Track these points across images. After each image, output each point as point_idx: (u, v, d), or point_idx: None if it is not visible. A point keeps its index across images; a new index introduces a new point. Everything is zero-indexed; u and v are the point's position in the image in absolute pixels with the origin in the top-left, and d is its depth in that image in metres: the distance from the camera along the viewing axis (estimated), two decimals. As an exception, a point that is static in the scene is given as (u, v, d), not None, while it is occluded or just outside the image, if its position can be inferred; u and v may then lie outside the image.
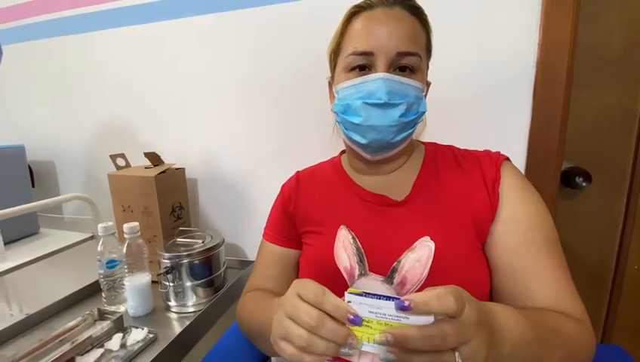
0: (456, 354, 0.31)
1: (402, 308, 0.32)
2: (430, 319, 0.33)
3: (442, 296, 0.32)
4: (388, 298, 0.35)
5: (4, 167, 1.03)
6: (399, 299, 0.34)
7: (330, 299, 0.36)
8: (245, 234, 1.06)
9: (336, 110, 0.56)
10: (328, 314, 0.35)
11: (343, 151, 0.68)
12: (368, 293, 0.36)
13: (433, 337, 0.31)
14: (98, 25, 1.07)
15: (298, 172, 0.69)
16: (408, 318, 0.34)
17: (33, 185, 1.19)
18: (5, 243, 0.92)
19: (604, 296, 0.95)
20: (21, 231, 1.06)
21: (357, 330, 0.36)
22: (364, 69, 0.52)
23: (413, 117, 0.52)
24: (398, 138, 0.52)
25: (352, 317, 0.35)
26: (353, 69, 0.52)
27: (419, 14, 0.53)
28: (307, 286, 0.37)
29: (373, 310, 0.35)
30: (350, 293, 0.36)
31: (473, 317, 0.32)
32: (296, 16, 0.87)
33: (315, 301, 0.36)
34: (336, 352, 0.36)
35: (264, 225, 0.69)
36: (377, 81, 0.49)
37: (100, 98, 1.13)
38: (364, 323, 0.36)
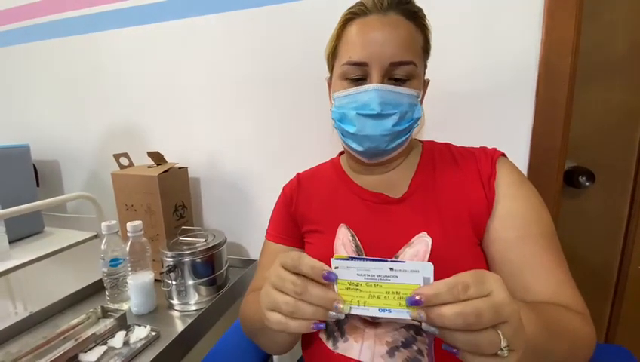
0: (500, 332, 0.31)
1: (413, 303, 0.33)
2: (419, 278, 0.34)
3: (450, 288, 0.31)
4: (375, 260, 0.36)
5: (10, 166, 1.04)
6: (386, 260, 0.35)
7: (306, 260, 0.37)
8: (247, 233, 1.06)
9: (333, 117, 0.57)
10: (313, 281, 0.37)
11: (342, 152, 0.69)
12: (355, 257, 0.37)
13: (467, 314, 0.30)
14: (103, 25, 1.08)
15: (298, 174, 0.70)
16: (397, 277, 0.34)
17: (38, 185, 1.20)
18: (10, 242, 0.93)
19: (608, 296, 0.94)
20: (26, 229, 1.07)
21: (346, 294, 0.37)
22: (358, 79, 0.52)
23: (407, 125, 0.53)
24: (393, 145, 0.53)
25: (325, 273, 0.36)
26: (348, 78, 0.53)
27: (415, 18, 0.52)
28: (287, 255, 0.39)
29: (362, 272, 0.36)
30: (337, 259, 0.37)
31: (505, 295, 0.31)
32: (301, 15, 0.87)
33: (293, 265, 0.37)
34: (324, 316, 0.36)
35: (266, 224, 0.69)
36: (370, 93, 0.50)
37: (103, 98, 1.14)
38: (353, 286, 0.36)
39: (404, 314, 0.34)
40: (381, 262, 0.35)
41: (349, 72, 0.52)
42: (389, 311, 0.35)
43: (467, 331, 0.31)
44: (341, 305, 0.36)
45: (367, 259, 0.36)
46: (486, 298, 0.31)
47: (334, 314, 0.36)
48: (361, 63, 0.51)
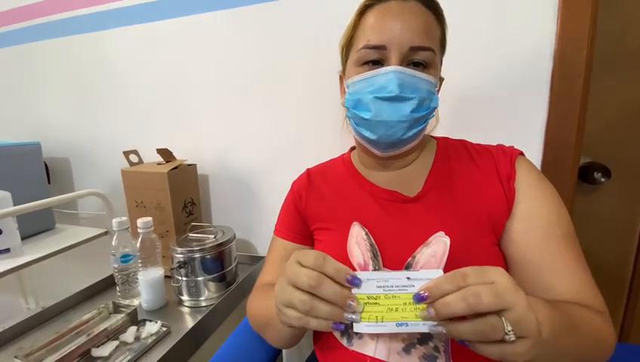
0: (503, 318, 0.31)
1: (420, 300, 0.34)
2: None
3: (450, 278, 0.33)
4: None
5: (21, 163, 1.05)
6: (406, 271, 0.36)
7: (331, 262, 0.38)
8: (256, 229, 1.06)
9: (347, 105, 0.55)
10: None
11: (353, 148, 0.68)
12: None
13: (467, 296, 0.31)
14: (112, 23, 1.08)
15: (308, 169, 0.69)
16: (414, 286, 0.36)
17: (49, 182, 1.21)
18: (22, 239, 0.94)
19: (622, 294, 0.93)
20: (37, 226, 1.08)
21: (365, 311, 0.37)
22: (376, 63, 0.51)
23: (425, 112, 0.51)
24: (409, 134, 0.51)
25: (350, 277, 0.37)
26: (365, 63, 0.51)
27: (434, 8, 0.51)
28: (307, 254, 0.39)
29: (381, 284, 0.37)
30: (357, 272, 0.38)
31: (507, 283, 0.32)
32: (309, 10, 0.86)
33: (316, 265, 0.37)
34: (340, 316, 0.36)
35: (275, 221, 0.69)
36: (389, 74, 0.49)
37: (113, 95, 1.15)
38: (372, 300, 0.36)
39: (420, 326, 0.35)
40: (398, 272, 0.36)
41: (366, 55, 0.51)
42: (406, 324, 0.35)
43: (471, 320, 0.32)
44: (354, 303, 0.36)
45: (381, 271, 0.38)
46: (487, 284, 0.32)
47: (350, 316, 0.36)
48: (379, 47, 0.49)
